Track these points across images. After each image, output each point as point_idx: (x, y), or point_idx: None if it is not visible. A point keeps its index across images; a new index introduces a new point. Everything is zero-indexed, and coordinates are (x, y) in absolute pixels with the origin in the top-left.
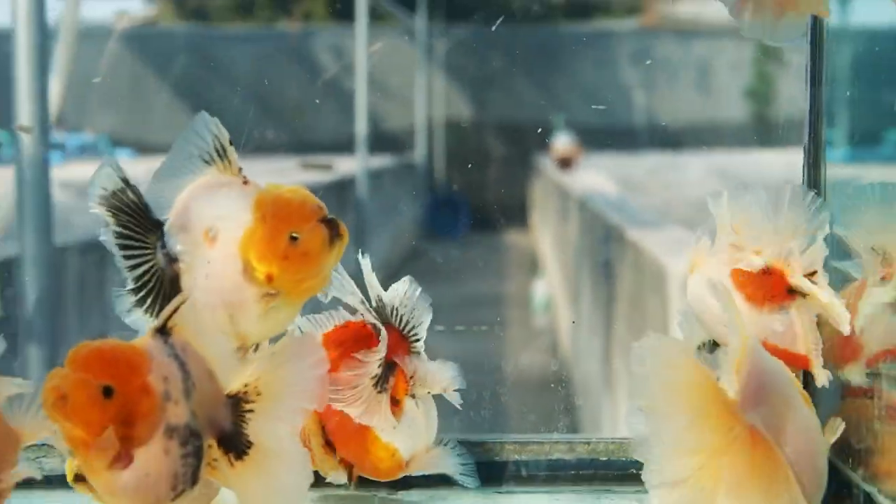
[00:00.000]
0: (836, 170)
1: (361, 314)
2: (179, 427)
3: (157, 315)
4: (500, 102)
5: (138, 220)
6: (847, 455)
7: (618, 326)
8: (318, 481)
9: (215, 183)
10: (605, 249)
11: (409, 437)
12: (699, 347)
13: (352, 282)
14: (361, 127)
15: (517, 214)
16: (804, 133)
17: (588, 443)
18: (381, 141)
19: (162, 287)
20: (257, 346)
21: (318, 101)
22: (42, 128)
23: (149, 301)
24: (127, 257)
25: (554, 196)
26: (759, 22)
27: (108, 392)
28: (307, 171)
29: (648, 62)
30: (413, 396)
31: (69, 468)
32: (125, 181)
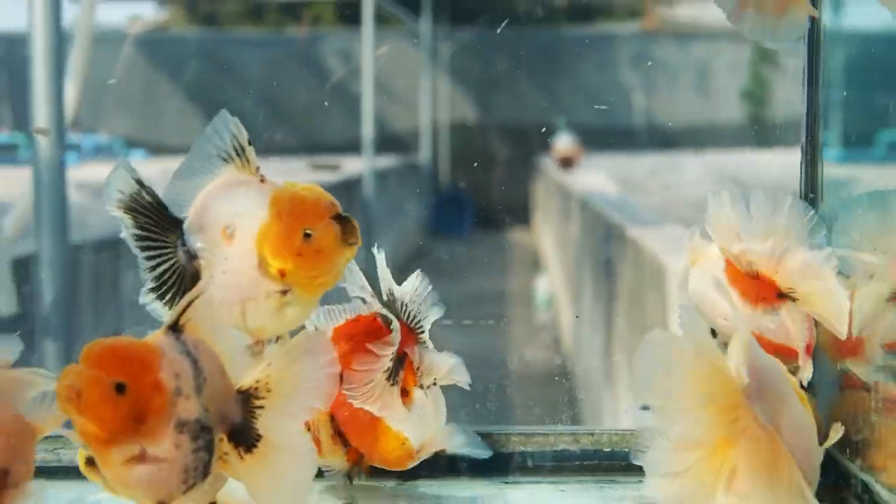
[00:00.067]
0: (832, 170)
1: (372, 307)
2: (190, 422)
3: None
4: (503, 104)
5: (156, 220)
6: (845, 446)
7: (618, 322)
8: (321, 473)
9: (233, 182)
10: (605, 247)
11: (418, 426)
12: None
13: (362, 276)
14: (368, 128)
15: (520, 213)
16: (801, 133)
17: (592, 434)
18: (387, 142)
19: (183, 283)
20: (278, 339)
21: (326, 103)
22: (58, 130)
23: (168, 297)
24: (149, 258)
25: (556, 196)
26: (761, 23)
27: (120, 388)
28: (315, 172)
29: (650, 63)
30: (422, 386)
31: (80, 454)
32: (139, 182)
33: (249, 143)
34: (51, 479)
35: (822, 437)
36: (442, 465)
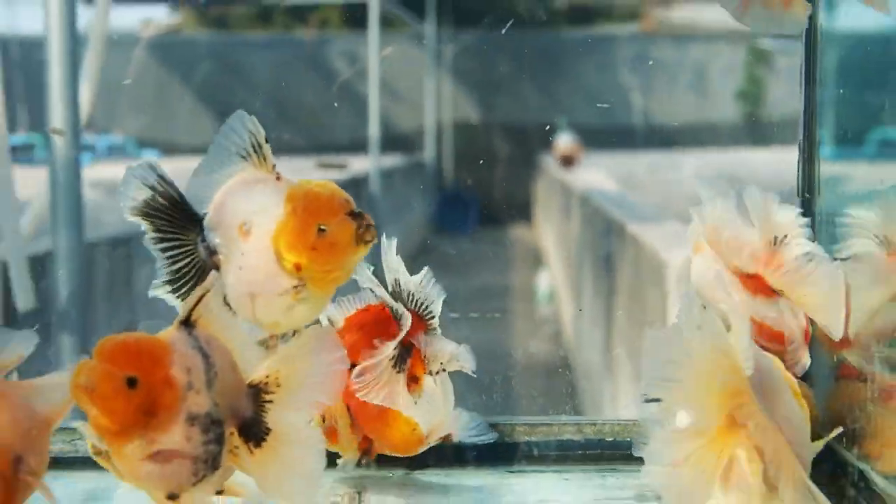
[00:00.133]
0: (827, 167)
1: (380, 298)
2: (201, 415)
3: None
4: (505, 104)
5: (175, 219)
6: (841, 435)
7: (618, 317)
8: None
9: (251, 179)
10: (605, 243)
11: (427, 412)
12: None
13: (368, 270)
14: (374, 128)
15: (522, 210)
16: (798, 131)
17: (595, 424)
18: (393, 141)
19: (203, 279)
20: (295, 332)
21: (336, 104)
22: (73, 131)
23: (186, 291)
24: (168, 256)
25: (557, 193)
26: (767, 16)
27: (132, 383)
28: (323, 171)
29: (650, 62)
30: (430, 373)
31: (89, 442)
32: (160, 179)
33: (266, 141)
34: (68, 470)
35: (819, 427)
36: (449, 455)
